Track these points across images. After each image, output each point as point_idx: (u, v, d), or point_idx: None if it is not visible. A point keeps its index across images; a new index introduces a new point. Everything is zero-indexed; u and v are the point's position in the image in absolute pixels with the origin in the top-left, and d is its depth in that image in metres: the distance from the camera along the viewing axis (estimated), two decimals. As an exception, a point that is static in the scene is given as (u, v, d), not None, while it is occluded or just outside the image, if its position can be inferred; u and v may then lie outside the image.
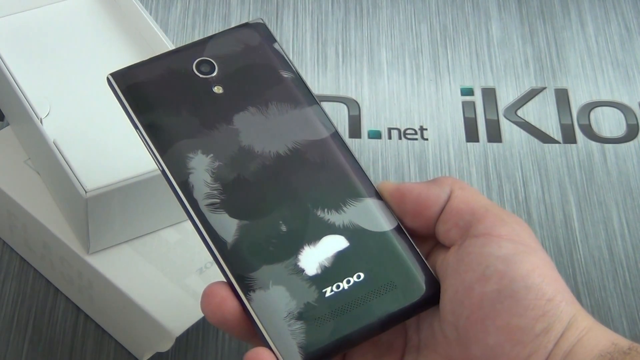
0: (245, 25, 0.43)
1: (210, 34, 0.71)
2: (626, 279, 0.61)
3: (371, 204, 0.40)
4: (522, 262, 0.37)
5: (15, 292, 0.57)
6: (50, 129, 0.51)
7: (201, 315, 0.50)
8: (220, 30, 0.43)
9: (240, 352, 0.56)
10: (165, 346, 0.50)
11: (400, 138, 0.67)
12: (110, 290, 0.51)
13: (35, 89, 0.53)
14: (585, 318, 0.37)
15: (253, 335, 0.38)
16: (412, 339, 0.40)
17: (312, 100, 0.42)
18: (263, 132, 0.41)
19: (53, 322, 0.56)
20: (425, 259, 0.40)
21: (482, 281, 0.37)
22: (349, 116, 0.68)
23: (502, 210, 0.39)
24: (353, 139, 0.67)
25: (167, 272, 0.51)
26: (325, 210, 0.39)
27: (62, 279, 0.56)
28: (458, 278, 0.37)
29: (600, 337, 0.36)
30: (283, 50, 0.43)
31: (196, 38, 0.71)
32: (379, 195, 0.40)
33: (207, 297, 0.38)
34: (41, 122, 0.51)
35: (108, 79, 0.41)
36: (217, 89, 0.41)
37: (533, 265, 0.37)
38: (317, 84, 0.69)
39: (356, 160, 0.41)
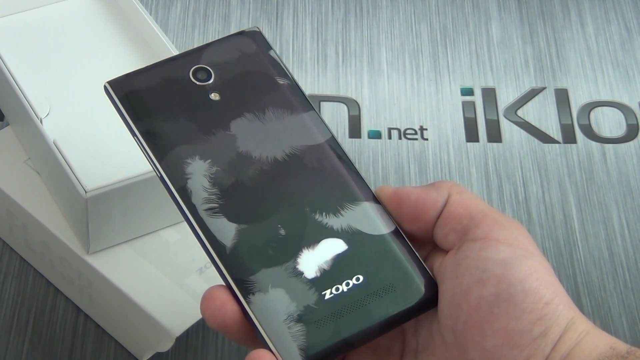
0: (242, 33, 0.44)
1: (210, 34, 0.71)
2: (626, 279, 0.61)
3: (369, 207, 0.40)
4: (519, 266, 0.37)
5: (15, 292, 0.57)
6: (50, 129, 0.51)
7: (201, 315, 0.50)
8: (217, 38, 0.44)
9: (240, 353, 0.56)
10: (165, 346, 0.50)
11: (400, 138, 0.67)
12: (110, 290, 0.51)
13: (35, 89, 0.53)
14: (583, 322, 0.37)
15: (253, 339, 0.38)
16: (410, 342, 0.40)
17: (309, 106, 0.42)
18: (260, 137, 0.41)
19: (53, 322, 0.56)
20: (424, 262, 0.40)
21: (480, 285, 0.37)
22: (349, 116, 0.68)
23: (500, 214, 0.39)
24: (353, 139, 0.67)
25: (167, 272, 0.51)
26: (324, 214, 0.39)
27: (62, 279, 0.56)
28: (456, 281, 0.37)
29: (598, 341, 0.36)
30: (279, 58, 0.43)
31: (196, 38, 0.71)
32: (376, 200, 0.40)
33: (206, 301, 0.38)
34: (41, 122, 0.51)
35: (105, 87, 0.41)
36: (214, 96, 0.42)
37: (530, 269, 0.37)
38: (317, 84, 0.69)
39: (353, 165, 0.41)
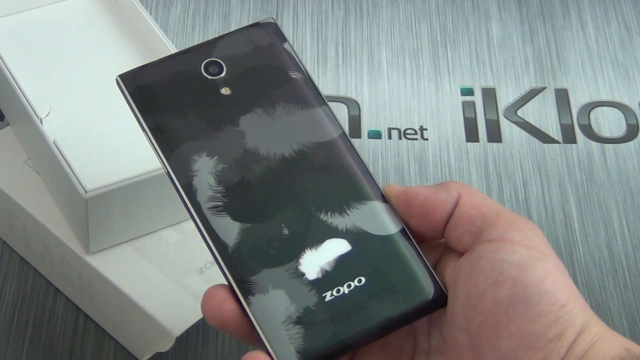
0: (256, 25, 0.43)
1: (210, 34, 0.71)
2: (626, 279, 0.61)
3: (375, 206, 0.40)
4: (535, 269, 0.36)
5: (15, 292, 0.57)
6: (50, 129, 0.51)
7: (201, 315, 0.50)
8: (231, 30, 0.43)
9: (240, 353, 0.56)
10: (165, 346, 0.50)
11: (400, 138, 0.67)
12: (110, 290, 0.51)
13: (35, 89, 0.53)
14: (598, 324, 0.37)
15: (254, 338, 0.38)
16: (422, 344, 0.40)
17: (321, 101, 0.42)
18: (269, 134, 0.40)
19: (53, 322, 0.56)
20: (435, 265, 0.40)
21: (495, 287, 0.37)
22: (349, 116, 0.68)
23: (514, 214, 0.39)
24: (353, 139, 0.67)
25: (167, 272, 0.51)
26: (329, 213, 0.39)
27: (62, 279, 0.56)
28: (471, 283, 0.37)
29: (613, 343, 0.36)
30: (294, 50, 0.43)
31: (196, 38, 0.71)
32: (384, 198, 0.40)
33: (206, 299, 0.38)
34: (41, 122, 0.51)
35: (117, 80, 0.41)
36: (225, 90, 0.41)
37: (546, 272, 0.37)
38: (318, 84, 0.69)
39: (363, 162, 0.41)
